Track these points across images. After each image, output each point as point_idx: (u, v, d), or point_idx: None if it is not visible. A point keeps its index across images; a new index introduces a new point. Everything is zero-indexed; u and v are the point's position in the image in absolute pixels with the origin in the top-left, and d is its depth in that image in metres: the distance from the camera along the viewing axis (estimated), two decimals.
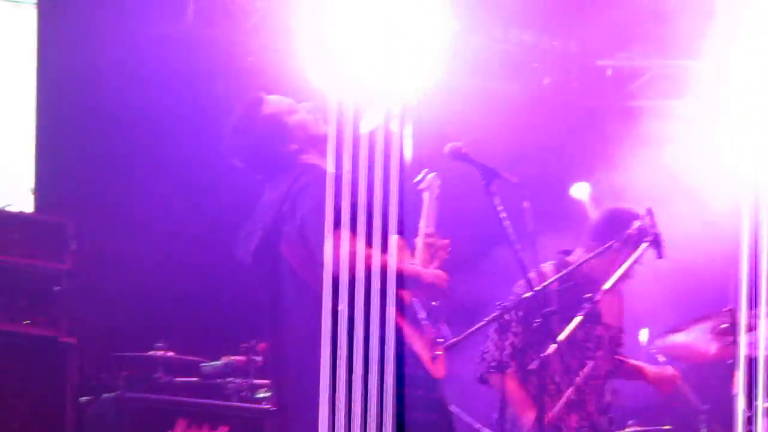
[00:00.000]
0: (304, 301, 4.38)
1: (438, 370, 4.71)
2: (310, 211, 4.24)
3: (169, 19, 7.12)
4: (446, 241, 4.73)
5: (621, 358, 6.01)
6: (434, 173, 4.91)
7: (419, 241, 4.71)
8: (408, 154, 4.41)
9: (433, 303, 4.76)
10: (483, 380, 5.74)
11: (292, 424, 4.47)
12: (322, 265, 4.17)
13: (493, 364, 5.65)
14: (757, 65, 6.56)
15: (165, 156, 7.11)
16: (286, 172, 4.44)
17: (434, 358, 4.64)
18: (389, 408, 4.07)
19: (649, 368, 6.10)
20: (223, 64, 7.09)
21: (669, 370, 6.11)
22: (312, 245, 4.25)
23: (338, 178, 4.14)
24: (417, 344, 4.51)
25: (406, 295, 4.40)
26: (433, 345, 4.71)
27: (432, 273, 4.58)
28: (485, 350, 5.74)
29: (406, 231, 4.55)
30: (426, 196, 4.88)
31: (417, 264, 4.56)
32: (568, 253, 5.92)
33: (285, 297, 4.48)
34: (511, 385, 5.62)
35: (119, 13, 6.95)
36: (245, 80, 6.64)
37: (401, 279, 4.25)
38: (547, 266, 5.80)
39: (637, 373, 6.07)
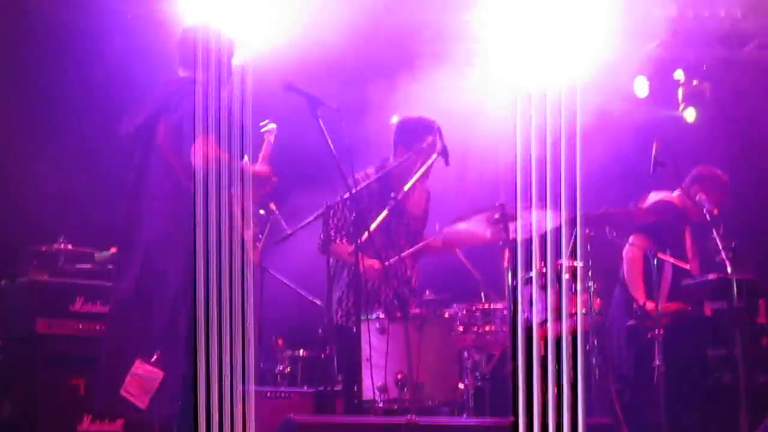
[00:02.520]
0: (166, 183, 5.14)
1: (255, 257, 5.77)
2: (188, 114, 4.89)
3: None
4: (275, 179, 5.65)
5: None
6: (275, 124, 5.82)
7: (258, 167, 5.63)
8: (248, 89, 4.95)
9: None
10: (321, 250, 6.67)
11: (141, 294, 5.20)
12: (186, 156, 4.98)
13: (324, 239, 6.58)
14: None
15: (68, 56, 7.63)
16: (176, 83, 5.23)
17: (254, 248, 5.70)
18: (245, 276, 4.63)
19: (431, 240, 6.95)
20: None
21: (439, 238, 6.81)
22: (183, 138, 5.04)
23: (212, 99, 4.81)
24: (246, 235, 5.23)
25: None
26: (255, 238, 5.78)
27: (260, 166, 5.50)
28: (319, 234, 6.70)
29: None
30: (267, 137, 5.82)
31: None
32: (387, 160, 6.86)
33: (150, 177, 5.20)
34: (340, 253, 6.67)
35: None
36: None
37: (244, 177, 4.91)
38: (371, 170, 6.81)
39: (426, 249, 6.96)
